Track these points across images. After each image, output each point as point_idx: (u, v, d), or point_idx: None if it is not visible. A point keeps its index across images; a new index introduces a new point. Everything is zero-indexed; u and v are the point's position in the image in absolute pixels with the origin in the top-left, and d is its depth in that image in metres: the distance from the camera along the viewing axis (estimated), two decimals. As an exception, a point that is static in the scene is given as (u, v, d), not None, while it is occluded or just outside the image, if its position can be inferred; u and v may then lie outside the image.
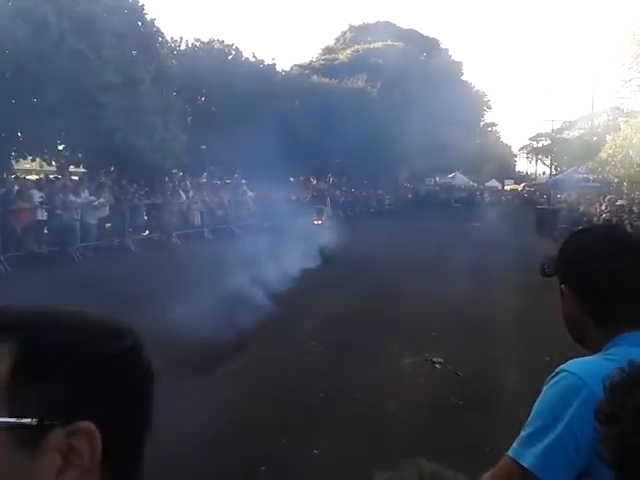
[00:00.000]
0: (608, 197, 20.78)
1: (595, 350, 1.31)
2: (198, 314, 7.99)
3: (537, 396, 1.27)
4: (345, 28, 51.26)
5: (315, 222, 14.82)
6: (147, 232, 16.96)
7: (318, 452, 4.27)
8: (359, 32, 48.68)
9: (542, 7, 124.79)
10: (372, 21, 51.28)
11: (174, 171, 19.69)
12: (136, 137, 15.78)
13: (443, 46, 52.56)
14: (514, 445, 1.23)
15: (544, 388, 1.25)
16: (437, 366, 6.25)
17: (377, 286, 10.35)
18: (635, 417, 0.69)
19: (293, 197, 25.19)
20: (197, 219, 18.71)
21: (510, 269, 11.36)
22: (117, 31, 16.31)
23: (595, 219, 19.75)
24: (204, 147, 24.12)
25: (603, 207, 20.17)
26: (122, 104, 15.45)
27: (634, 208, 16.46)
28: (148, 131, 16.40)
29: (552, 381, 1.24)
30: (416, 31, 50.68)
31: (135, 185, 16.61)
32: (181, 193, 18.33)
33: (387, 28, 48.21)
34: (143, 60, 17.24)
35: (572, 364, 1.25)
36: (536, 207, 28.64)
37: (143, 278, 10.62)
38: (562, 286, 1.40)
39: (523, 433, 1.23)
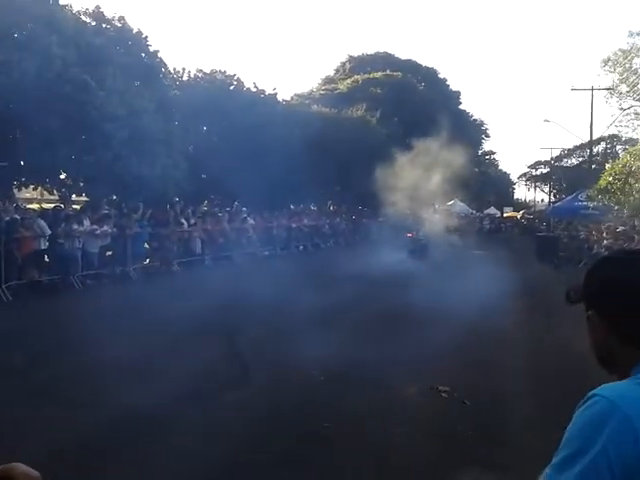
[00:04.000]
0: (607, 224, 20.86)
1: (624, 376, 1.30)
2: (197, 343, 7.97)
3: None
4: (344, 59, 52.09)
5: None
6: (148, 260, 16.95)
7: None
8: (358, 63, 49.47)
9: (539, 36, 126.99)
10: (371, 52, 52.14)
11: (176, 199, 19.77)
12: (138, 166, 15.88)
13: (441, 76, 53.33)
14: (547, 471, 1.21)
15: (576, 413, 1.24)
16: (443, 395, 6.18)
17: (377, 313, 10.29)
18: None
19: (293, 225, 25.29)
20: (198, 247, 18.73)
21: (513, 297, 11.33)
22: (121, 62, 16.56)
23: (596, 246, 19.78)
24: (205, 176, 24.28)
25: (604, 234, 20.23)
26: (125, 134, 15.60)
27: (635, 235, 16.47)
28: (150, 160, 16.51)
29: (584, 406, 1.23)
30: (414, 61, 51.48)
31: (137, 213, 16.64)
32: (182, 221, 18.37)
33: (386, 59, 49.00)
34: (146, 90, 17.45)
35: (604, 388, 1.24)
36: (536, 235, 28.72)
37: (142, 307, 10.59)
38: (589, 312, 1.39)
39: (556, 459, 1.21)
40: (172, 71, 22.62)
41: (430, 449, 4.75)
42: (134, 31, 18.44)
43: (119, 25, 18.04)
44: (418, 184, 24.55)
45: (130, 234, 15.62)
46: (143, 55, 18.66)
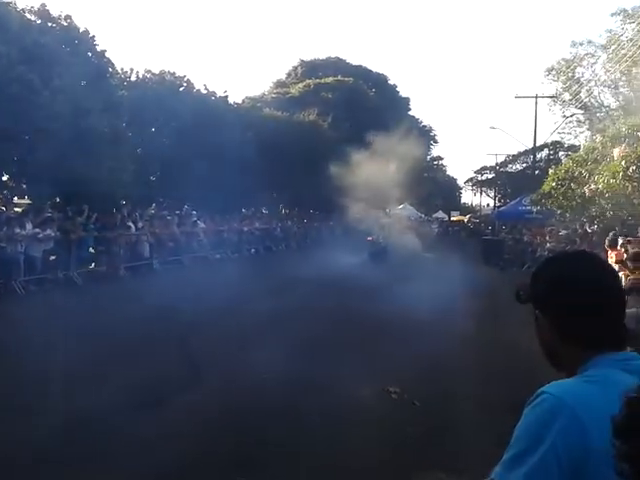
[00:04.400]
0: (550, 228, 21.56)
1: (571, 373, 1.34)
2: (147, 348, 7.82)
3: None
4: (296, 63, 52.18)
5: None
6: (93, 265, 16.49)
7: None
8: (310, 67, 49.66)
9: (486, 45, 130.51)
10: (323, 57, 52.41)
11: (123, 202, 19.34)
12: (83, 167, 15.45)
13: (391, 82, 54.10)
14: (497, 469, 1.23)
15: (525, 410, 1.27)
16: (394, 396, 6.24)
17: (329, 316, 10.32)
18: None
19: (245, 228, 25.13)
20: (146, 251, 18.34)
21: (461, 298, 11.55)
22: (67, 61, 16.17)
23: (539, 249, 20.41)
24: (153, 178, 23.83)
25: (547, 238, 20.90)
26: (70, 134, 15.19)
27: (577, 239, 17.09)
28: (97, 161, 16.11)
29: (533, 403, 1.26)
30: (365, 67, 52.03)
31: (82, 216, 16.18)
32: (130, 224, 17.96)
33: (337, 64, 49.38)
34: (93, 90, 17.07)
35: (552, 386, 1.27)
36: (482, 238, 29.42)
37: (88, 312, 10.31)
38: (537, 312, 1.43)
39: (506, 456, 1.23)
40: (120, 71, 22.22)
41: (382, 451, 4.78)
42: (81, 30, 18.10)
43: (65, 24, 17.64)
44: (369, 188, 24.82)
45: (75, 238, 15.15)
46: (90, 54, 18.35)
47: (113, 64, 20.06)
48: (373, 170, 23.94)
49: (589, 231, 17.27)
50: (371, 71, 51.99)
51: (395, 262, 19.65)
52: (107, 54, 19.10)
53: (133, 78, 23.78)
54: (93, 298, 12.64)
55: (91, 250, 16.47)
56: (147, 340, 8.15)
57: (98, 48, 18.63)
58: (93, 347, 7.75)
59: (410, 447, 4.89)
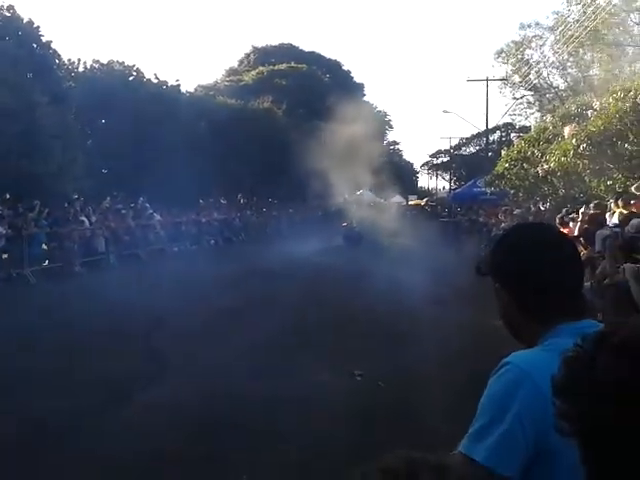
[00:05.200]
0: (504, 208, 21.99)
1: (531, 344, 1.35)
2: (108, 345, 7.66)
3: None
4: (248, 50, 51.59)
5: None
6: (47, 262, 16.04)
7: (247, 477, 4.16)
8: (262, 54, 49.16)
9: (437, 29, 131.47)
10: (275, 43, 51.93)
11: (75, 196, 18.85)
12: (33, 162, 15.00)
13: (345, 68, 54.02)
14: (464, 442, 1.23)
15: (489, 381, 1.27)
16: (358, 378, 6.29)
17: (293, 306, 10.31)
18: (603, 385, 0.70)
19: (203, 219, 24.83)
20: (102, 246, 17.93)
21: (419, 278, 11.68)
22: (11, 53, 15.64)
23: (494, 229, 20.81)
24: (105, 171, 23.29)
25: (501, 217, 21.31)
26: (17, 128, 14.69)
27: (529, 217, 17.47)
28: (45, 155, 15.65)
29: (497, 374, 1.27)
30: (318, 54, 51.81)
31: (33, 212, 15.69)
32: (83, 219, 17.52)
33: (290, 50, 49.01)
34: (39, 83, 16.57)
35: (514, 356, 1.28)
36: (439, 220, 29.88)
37: (44, 311, 10.03)
38: (497, 285, 1.44)
39: (472, 428, 1.24)
40: (67, 62, 21.60)
41: (349, 431, 4.82)
42: (24, 21, 17.57)
43: (8, 14, 17.09)
44: (327, 175, 24.84)
45: (26, 234, 14.70)
46: (35, 46, 17.85)
47: (59, 55, 19.66)
48: (330, 157, 23.94)
49: (542, 209, 17.68)
50: (324, 57, 51.82)
51: (363, 247, 19.92)
52: (53, 45, 18.69)
53: (81, 69, 23.16)
54: (49, 296, 12.30)
55: (44, 247, 16.02)
56: (107, 337, 7.99)
57: (43, 39, 18.19)
58: (52, 346, 7.56)
59: (376, 426, 4.94)
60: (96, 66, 23.92)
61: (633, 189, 9.21)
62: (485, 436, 1.20)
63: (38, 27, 17.93)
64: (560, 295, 1.35)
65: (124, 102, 22.02)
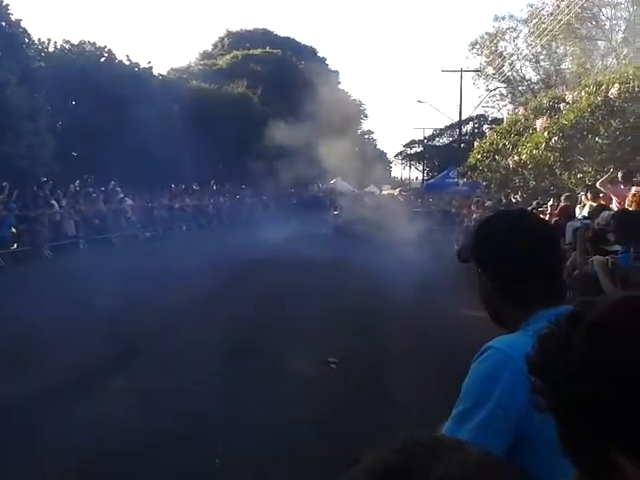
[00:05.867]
0: (476, 199, 22.23)
1: (513, 330, 1.37)
2: (77, 331, 7.55)
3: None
4: (223, 34, 50.93)
5: None
6: (16, 245, 15.72)
7: (220, 461, 4.17)
8: (237, 38, 48.58)
9: (413, 18, 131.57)
10: (250, 28, 51.36)
11: (44, 179, 18.46)
12: (1, 142, 14.64)
13: (320, 54, 53.74)
14: (447, 424, 1.25)
15: (472, 365, 1.29)
16: (332, 366, 6.33)
17: (268, 293, 10.30)
18: (578, 364, 0.72)
19: (176, 205, 24.57)
20: (71, 229, 17.63)
21: (393, 268, 11.77)
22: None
23: (466, 220, 21.04)
24: (75, 154, 22.85)
25: (473, 208, 21.55)
26: (-16, 108, 14.33)
27: (501, 208, 17.68)
28: (14, 137, 15.30)
29: (479, 359, 1.28)
30: (293, 39, 51.41)
31: (1, 194, 15.32)
32: (53, 202, 17.17)
33: (265, 35, 48.53)
34: (8, 62, 16.16)
35: (497, 341, 1.30)
36: (413, 210, 30.04)
37: (12, 294, 9.85)
38: (478, 270, 1.46)
39: (455, 411, 1.26)
40: (37, 42, 21.09)
41: (323, 416, 4.85)
42: (-7, -2, 17.04)
43: (-25, -8, 16.57)
44: (301, 162, 24.77)
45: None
46: (4, 24, 17.44)
47: (29, 34, 19.18)
48: (304, 144, 23.86)
49: (513, 201, 17.90)
50: (300, 43, 51.44)
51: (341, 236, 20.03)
52: (22, 24, 18.27)
53: (51, 49, 22.62)
54: (17, 279, 12.08)
55: (13, 230, 15.69)
56: (76, 322, 7.86)
57: (12, 17, 17.77)
58: (19, 331, 7.42)
59: (350, 411, 5.00)
60: (67, 46, 23.39)
61: (598, 185, 9.38)
62: (469, 419, 1.22)
63: (7, 5, 17.57)
64: (539, 281, 1.37)
65: (95, 83, 21.60)
